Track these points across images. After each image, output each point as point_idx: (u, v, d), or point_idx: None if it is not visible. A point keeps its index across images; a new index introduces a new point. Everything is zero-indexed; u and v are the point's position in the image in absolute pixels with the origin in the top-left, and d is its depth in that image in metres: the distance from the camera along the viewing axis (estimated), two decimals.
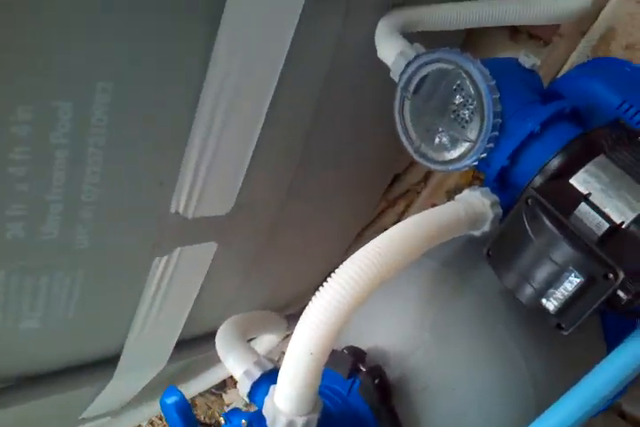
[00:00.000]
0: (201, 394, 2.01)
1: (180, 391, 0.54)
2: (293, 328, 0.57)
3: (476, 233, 0.64)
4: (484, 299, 0.69)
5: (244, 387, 0.68)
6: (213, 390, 1.91)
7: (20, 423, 1.06)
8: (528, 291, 0.56)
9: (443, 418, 0.65)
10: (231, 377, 1.81)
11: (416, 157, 0.71)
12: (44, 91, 0.57)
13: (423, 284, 0.71)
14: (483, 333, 0.67)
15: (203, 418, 2.08)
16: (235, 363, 0.71)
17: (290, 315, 1.06)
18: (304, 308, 0.54)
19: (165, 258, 0.86)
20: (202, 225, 0.84)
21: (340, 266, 0.55)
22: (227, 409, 1.88)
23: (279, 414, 0.56)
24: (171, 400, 0.53)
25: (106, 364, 1.01)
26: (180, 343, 1.10)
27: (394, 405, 0.64)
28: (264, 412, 0.58)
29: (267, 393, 0.64)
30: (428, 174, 1.21)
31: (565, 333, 0.55)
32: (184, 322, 1.03)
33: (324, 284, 0.55)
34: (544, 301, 0.55)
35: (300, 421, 0.56)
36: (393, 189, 1.24)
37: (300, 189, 0.94)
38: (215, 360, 1.24)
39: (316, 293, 0.55)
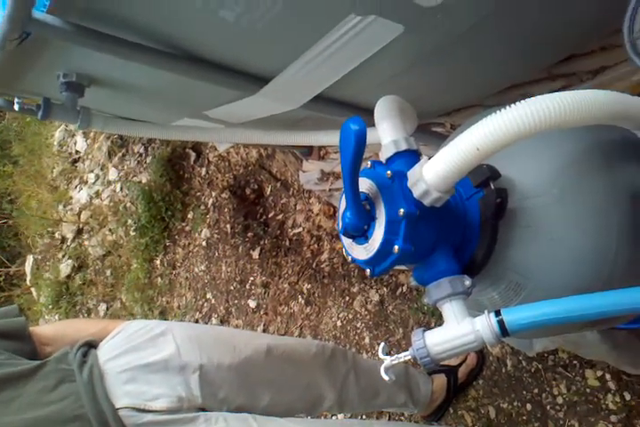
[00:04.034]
0: (284, 152, 2.17)
1: (365, 124, 0.61)
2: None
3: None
4: (616, 192, 0.72)
5: (387, 152, 0.76)
6: (297, 153, 2.04)
7: (167, 89, 1.20)
8: None
9: (527, 254, 0.73)
10: (320, 147, 1.94)
11: (627, 46, 0.69)
12: None
13: (576, 149, 0.75)
14: (600, 214, 0.72)
15: (274, 172, 2.27)
16: (388, 129, 0.77)
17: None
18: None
19: (359, 18, 0.89)
20: (403, 6, 0.85)
21: (538, 97, 0.59)
22: (300, 173, 2.03)
23: (422, 181, 0.64)
24: (355, 127, 0.60)
25: (256, 81, 1.10)
26: (319, 97, 1.17)
27: (499, 225, 0.72)
28: (409, 174, 0.67)
29: (402, 165, 0.73)
30: (602, 70, 1.16)
31: None
32: (336, 79, 1.09)
33: (520, 102, 0.59)
34: None
35: (435, 195, 0.65)
36: (562, 65, 1.20)
37: (494, 19, 0.92)
38: (327, 126, 1.33)
39: (515, 104, 0.60)
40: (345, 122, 0.62)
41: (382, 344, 0.74)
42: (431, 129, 1.43)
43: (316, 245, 2.04)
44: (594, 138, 0.75)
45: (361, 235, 0.71)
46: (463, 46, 1.02)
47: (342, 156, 0.65)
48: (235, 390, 1.06)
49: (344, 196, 0.71)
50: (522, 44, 1.06)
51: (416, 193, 0.66)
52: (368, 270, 0.72)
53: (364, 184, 0.70)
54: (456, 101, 1.34)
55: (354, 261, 0.74)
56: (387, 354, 0.73)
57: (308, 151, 2.00)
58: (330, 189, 1.95)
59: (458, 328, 0.68)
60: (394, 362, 0.71)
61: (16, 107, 1.26)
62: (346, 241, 0.74)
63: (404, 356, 0.71)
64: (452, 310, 0.70)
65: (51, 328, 1.15)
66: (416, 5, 0.85)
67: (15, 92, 1.29)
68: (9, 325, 1.04)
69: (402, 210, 0.66)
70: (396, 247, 0.67)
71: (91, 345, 1.05)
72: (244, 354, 1.11)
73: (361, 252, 0.71)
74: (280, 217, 2.23)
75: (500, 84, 1.23)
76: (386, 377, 0.71)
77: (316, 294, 1.99)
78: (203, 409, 1.02)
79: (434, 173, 0.63)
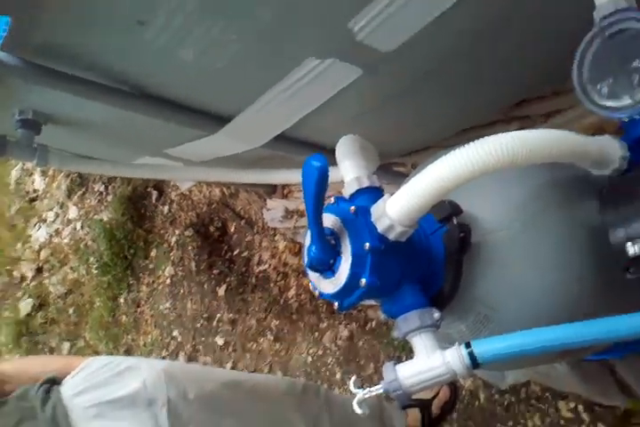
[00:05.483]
0: (247, 190, 2.16)
1: (326, 161, 0.61)
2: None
3: (595, 172, 0.73)
4: (575, 225, 0.74)
5: (350, 189, 0.76)
6: (260, 192, 2.04)
7: (126, 127, 1.20)
8: (620, 233, 0.65)
9: (492, 287, 0.74)
10: (283, 185, 1.94)
11: (578, 90, 0.71)
12: None
13: (536, 185, 0.77)
14: (561, 247, 0.73)
15: (238, 210, 2.26)
16: (350, 167, 0.78)
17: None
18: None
19: (318, 61, 0.90)
20: (362, 51, 0.86)
21: (491, 137, 0.60)
22: (265, 211, 2.03)
23: (386, 216, 0.64)
24: (317, 163, 0.60)
25: (216, 120, 1.10)
26: (280, 137, 1.18)
27: (463, 259, 0.72)
28: (373, 210, 0.67)
29: (365, 201, 0.73)
30: (554, 113, 1.21)
31: (630, 276, 0.64)
32: (297, 120, 1.09)
33: (480, 140, 0.60)
34: (629, 244, 0.63)
35: (399, 229, 0.65)
36: (516, 108, 1.25)
37: (452, 62, 0.95)
38: (289, 165, 1.34)
39: (474, 142, 0.61)
40: (307, 159, 0.62)
41: (353, 378, 0.73)
42: (393, 168, 1.44)
43: (282, 282, 2.02)
44: (552, 174, 0.77)
45: (327, 269, 0.70)
46: (422, 89, 1.04)
47: (305, 192, 0.65)
48: (203, 424, 1.04)
49: (309, 230, 0.70)
50: (479, 88, 1.09)
51: (380, 228, 0.66)
52: (336, 304, 0.72)
53: (329, 220, 0.70)
54: (416, 143, 1.36)
55: (321, 295, 0.73)
56: (359, 388, 0.71)
57: (271, 189, 2.01)
58: (295, 227, 1.95)
59: (429, 361, 0.67)
60: (366, 396, 0.70)
61: None
62: (312, 275, 0.74)
63: (377, 389, 0.70)
64: (422, 343, 0.69)
65: (10, 365, 1.11)
66: (374, 50, 0.86)
67: None
68: None
69: (367, 244, 0.66)
70: (363, 281, 0.67)
71: (54, 382, 1.02)
72: (212, 387, 1.09)
73: (328, 286, 0.71)
74: (245, 254, 2.21)
75: (458, 126, 1.26)
76: (359, 411, 0.70)
77: (285, 330, 1.96)
78: None
79: (397, 208, 0.64)
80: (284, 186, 1.95)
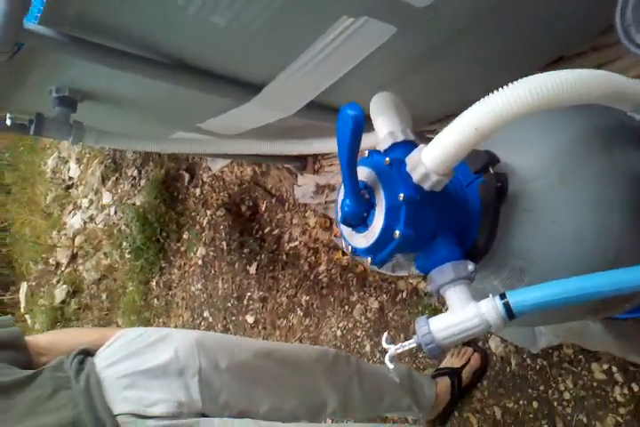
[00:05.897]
0: (278, 168, 2.18)
1: (362, 109, 0.62)
2: None
3: (638, 117, 0.69)
4: (616, 173, 0.73)
5: (384, 145, 0.76)
6: (291, 168, 2.05)
7: (159, 101, 1.21)
8: None
9: (529, 238, 0.73)
10: (314, 160, 1.95)
11: (620, 33, 0.69)
12: None
13: (574, 132, 0.75)
14: (600, 195, 0.72)
15: (269, 188, 2.28)
16: (384, 122, 0.78)
17: None
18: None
19: (352, 20, 0.90)
20: (394, 7, 0.86)
21: (527, 77, 0.60)
22: (295, 188, 2.04)
23: (421, 165, 0.65)
24: (352, 112, 0.61)
25: (250, 89, 1.11)
26: (312, 104, 1.18)
27: (500, 210, 0.72)
28: (408, 159, 0.67)
29: (400, 154, 0.73)
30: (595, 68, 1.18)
31: None
32: (329, 85, 1.10)
33: (517, 81, 0.60)
34: None
35: (434, 177, 0.65)
36: (553, 67, 1.22)
37: (485, 19, 0.93)
38: (325, 135, 1.34)
39: (512, 83, 0.61)
40: (342, 108, 0.62)
41: (385, 334, 0.74)
42: (426, 136, 1.44)
43: (313, 258, 2.03)
44: (591, 121, 0.76)
45: (361, 223, 0.71)
46: (455, 49, 1.03)
47: (339, 142, 0.65)
48: (235, 393, 1.05)
49: (342, 184, 0.71)
50: (513, 45, 1.07)
51: (415, 177, 0.66)
52: (369, 259, 0.72)
53: (363, 173, 0.71)
54: (449, 107, 1.34)
55: (354, 250, 0.74)
56: (390, 343, 0.72)
57: (302, 165, 2.01)
58: (325, 202, 1.96)
59: (462, 312, 0.67)
60: (399, 351, 0.70)
61: (8, 122, 1.26)
62: (345, 230, 0.74)
63: (409, 344, 0.70)
64: (456, 295, 0.69)
65: (46, 337, 1.14)
66: (408, 6, 0.85)
67: (6, 111, 1.30)
68: (4, 335, 1.02)
69: (402, 195, 0.66)
70: (397, 233, 0.67)
71: (88, 353, 1.04)
72: (244, 357, 1.10)
73: (361, 240, 0.71)
74: (276, 232, 2.22)
75: (491, 87, 1.24)
76: (390, 366, 0.70)
77: (315, 306, 1.98)
78: (204, 415, 1.00)
79: (433, 156, 0.64)
80: (314, 161, 1.95)
